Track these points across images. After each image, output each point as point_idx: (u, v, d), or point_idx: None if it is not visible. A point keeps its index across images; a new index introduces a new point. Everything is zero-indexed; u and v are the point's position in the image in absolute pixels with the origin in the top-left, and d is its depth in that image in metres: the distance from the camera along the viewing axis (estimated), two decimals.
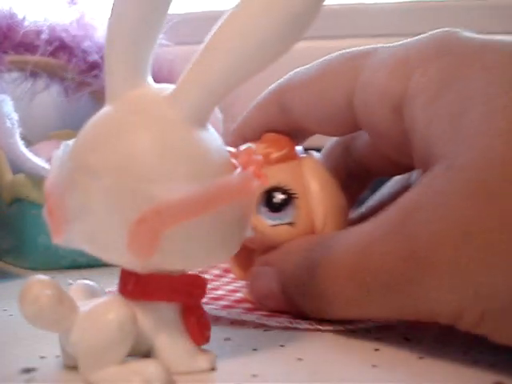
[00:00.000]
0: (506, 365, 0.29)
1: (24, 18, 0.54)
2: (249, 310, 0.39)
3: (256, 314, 0.37)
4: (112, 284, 0.30)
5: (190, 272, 0.30)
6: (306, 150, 0.39)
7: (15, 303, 0.27)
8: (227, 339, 0.34)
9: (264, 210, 0.36)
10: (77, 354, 0.27)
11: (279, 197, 0.35)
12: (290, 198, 0.35)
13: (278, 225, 0.35)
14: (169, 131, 0.28)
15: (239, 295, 0.42)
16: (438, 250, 0.27)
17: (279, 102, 0.38)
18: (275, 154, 0.36)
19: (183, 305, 0.29)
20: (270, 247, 0.36)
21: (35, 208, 0.51)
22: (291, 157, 0.37)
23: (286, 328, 0.35)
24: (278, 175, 0.36)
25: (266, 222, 0.36)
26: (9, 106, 0.50)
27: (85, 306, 0.28)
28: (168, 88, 0.29)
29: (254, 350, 0.32)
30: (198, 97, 0.28)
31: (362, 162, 0.39)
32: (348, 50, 0.38)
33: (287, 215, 0.35)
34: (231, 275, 0.47)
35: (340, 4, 0.69)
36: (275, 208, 0.35)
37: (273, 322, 0.36)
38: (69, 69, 0.56)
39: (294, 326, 0.35)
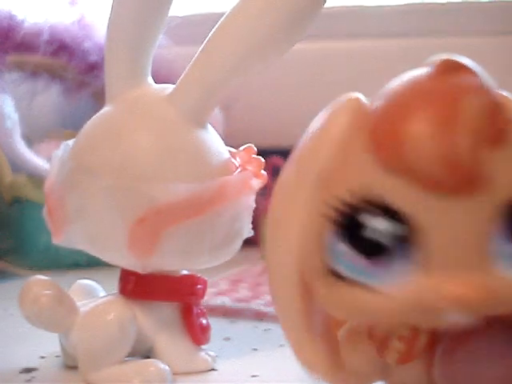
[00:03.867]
0: None
1: (25, 19, 0.54)
2: None
3: None
4: (112, 284, 0.30)
5: (190, 272, 0.30)
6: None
7: (15, 303, 0.27)
8: (227, 339, 0.34)
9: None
10: (77, 354, 0.27)
11: None
12: None
13: None
14: (169, 131, 0.28)
15: None
16: None
17: None
18: None
19: (183, 305, 0.29)
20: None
21: (35, 208, 0.51)
22: None
23: None
24: None
25: None
26: (9, 106, 0.50)
27: (85, 306, 0.28)
28: (168, 88, 0.29)
29: (254, 350, 0.32)
30: (197, 97, 0.28)
31: None
32: None
33: None
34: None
35: (340, 6, 0.69)
36: None
37: None
38: (69, 69, 0.56)
39: None
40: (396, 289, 0.17)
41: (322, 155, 0.18)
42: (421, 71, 0.18)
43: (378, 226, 0.17)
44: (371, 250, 0.17)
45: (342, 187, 0.18)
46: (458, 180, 0.17)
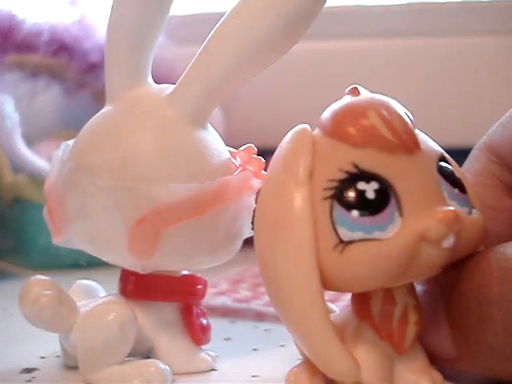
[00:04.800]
0: None
1: (25, 19, 0.54)
2: None
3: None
4: (112, 284, 0.30)
5: (190, 272, 0.30)
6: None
7: (15, 303, 0.27)
8: (227, 339, 0.34)
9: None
10: (77, 354, 0.27)
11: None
12: None
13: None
14: (169, 131, 0.28)
15: None
16: None
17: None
18: None
19: (183, 305, 0.29)
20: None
21: (35, 208, 0.51)
22: None
23: None
24: None
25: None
26: (10, 106, 0.50)
27: (85, 306, 0.28)
28: (168, 88, 0.29)
29: (254, 350, 0.32)
30: (197, 97, 0.28)
31: None
32: None
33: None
34: None
35: (340, 6, 0.69)
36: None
37: None
38: (69, 69, 0.56)
39: None
40: (395, 232, 0.22)
41: (304, 163, 0.24)
42: (343, 98, 0.25)
43: (365, 189, 0.23)
44: (367, 208, 0.23)
45: (330, 172, 0.23)
46: (407, 142, 0.23)
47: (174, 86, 0.29)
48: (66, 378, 0.28)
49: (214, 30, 0.28)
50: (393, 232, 0.22)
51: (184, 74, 0.28)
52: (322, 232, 0.23)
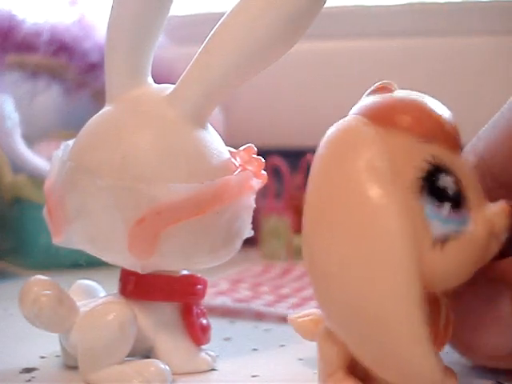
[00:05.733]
0: None
1: (25, 19, 0.54)
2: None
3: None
4: (112, 284, 0.30)
5: (190, 272, 0.30)
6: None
7: (15, 303, 0.27)
8: (227, 339, 0.34)
9: None
10: (77, 354, 0.27)
11: None
12: None
13: None
14: (168, 131, 0.28)
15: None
16: None
17: None
18: None
19: (183, 305, 0.29)
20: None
21: (35, 208, 0.51)
22: None
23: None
24: None
25: None
26: (10, 106, 0.50)
27: (85, 306, 0.28)
28: (168, 88, 0.29)
29: (254, 350, 0.32)
30: (197, 97, 0.28)
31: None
32: None
33: None
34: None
35: (340, 6, 0.69)
36: None
37: None
38: (69, 69, 0.56)
39: None
40: (472, 227, 0.22)
41: (380, 156, 0.22)
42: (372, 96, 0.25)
43: (447, 182, 0.22)
44: (454, 201, 0.22)
45: (413, 165, 0.22)
46: (460, 141, 0.24)
47: (173, 85, 0.29)
48: (66, 378, 0.28)
49: (213, 30, 0.28)
50: (470, 226, 0.22)
51: (184, 73, 0.28)
52: (418, 229, 0.21)
